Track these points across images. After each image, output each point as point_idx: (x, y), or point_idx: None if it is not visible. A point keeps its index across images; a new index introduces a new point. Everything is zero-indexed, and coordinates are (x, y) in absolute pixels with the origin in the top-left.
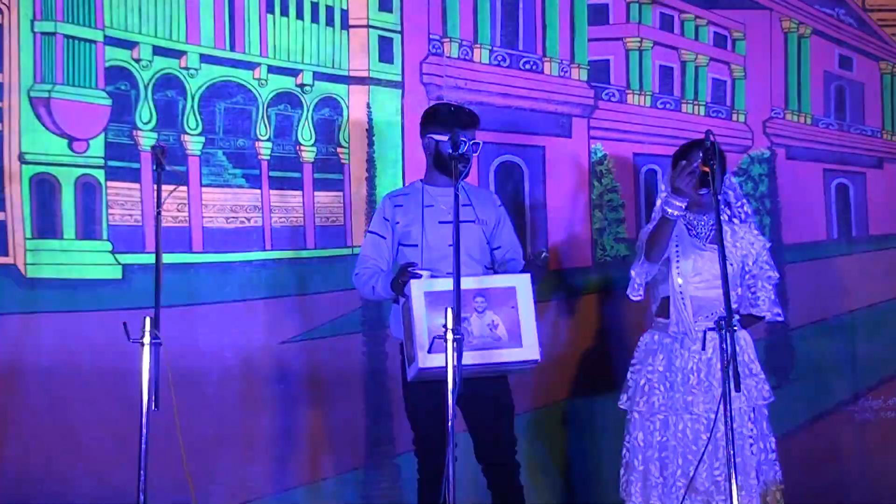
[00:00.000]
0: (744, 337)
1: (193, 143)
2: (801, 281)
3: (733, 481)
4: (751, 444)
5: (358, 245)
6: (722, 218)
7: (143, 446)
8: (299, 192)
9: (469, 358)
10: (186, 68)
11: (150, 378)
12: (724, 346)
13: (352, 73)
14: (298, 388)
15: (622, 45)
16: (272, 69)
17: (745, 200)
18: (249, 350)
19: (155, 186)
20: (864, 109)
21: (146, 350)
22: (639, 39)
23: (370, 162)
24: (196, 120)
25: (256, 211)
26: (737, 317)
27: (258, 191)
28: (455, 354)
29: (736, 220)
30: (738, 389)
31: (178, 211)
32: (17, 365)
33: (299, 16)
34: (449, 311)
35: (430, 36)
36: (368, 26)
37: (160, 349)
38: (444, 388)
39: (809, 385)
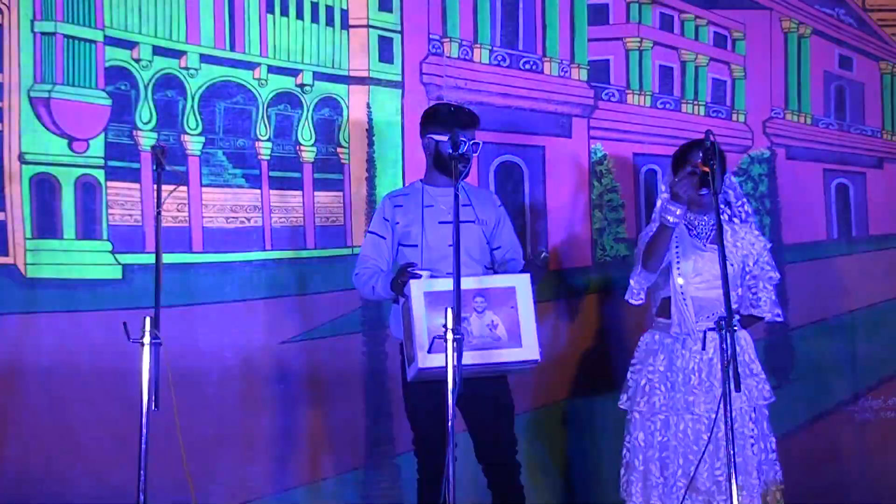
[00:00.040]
0: (744, 337)
1: (193, 143)
2: (801, 281)
3: (733, 481)
4: (752, 444)
5: (358, 245)
6: (722, 218)
7: (143, 446)
8: (299, 192)
9: (469, 358)
10: (186, 68)
11: (150, 378)
12: (724, 347)
13: (352, 73)
14: (298, 388)
15: (622, 45)
16: (272, 69)
17: (745, 200)
18: (249, 350)
19: (155, 186)
20: (864, 109)
21: (146, 350)
22: (639, 39)
23: (370, 162)
24: (196, 120)
25: (256, 211)
26: (737, 317)
27: (258, 191)
28: (455, 354)
29: (736, 220)
30: (738, 389)
31: (178, 211)
32: (17, 365)
33: (299, 16)
34: (449, 311)
35: (430, 36)
36: (368, 26)
37: (160, 349)
38: (443, 388)
39: (809, 385)
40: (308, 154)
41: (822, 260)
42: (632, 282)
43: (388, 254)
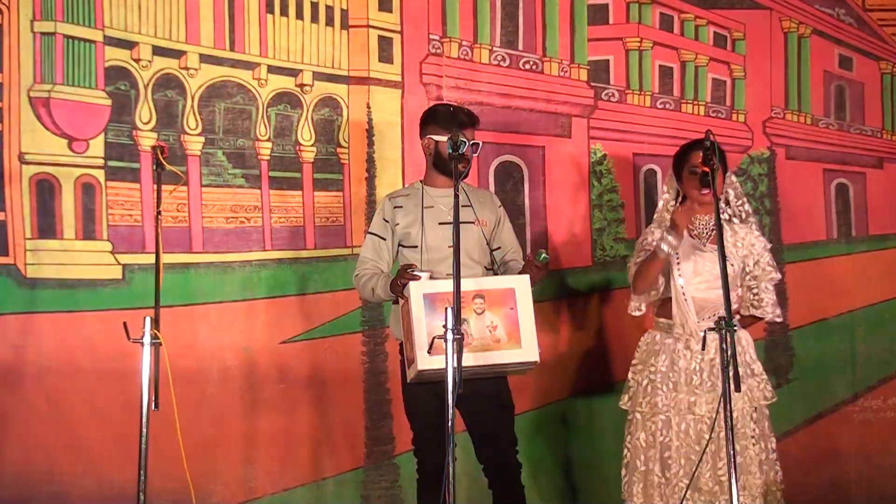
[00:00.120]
0: (744, 337)
1: (193, 143)
2: (801, 281)
3: (734, 481)
4: (753, 444)
5: (358, 245)
6: (722, 217)
7: (143, 446)
8: (299, 192)
9: (468, 359)
10: (186, 68)
11: (150, 378)
12: (724, 346)
13: (352, 73)
14: (298, 388)
15: (622, 45)
16: (272, 69)
17: (745, 199)
18: (249, 350)
19: (155, 186)
20: (864, 109)
21: (146, 350)
22: (639, 39)
23: (370, 162)
24: (196, 120)
25: (256, 211)
26: (737, 317)
27: (258, 191)
28: (455, 355)
29: (736, 220)
30: (738, 389)
31: (178, 211)
32: (17, 365)
33: (299, 16)
34: (449, 311)
35: (430, 36)
36: (368, 26)
37: (160, 349)
38: (443, 388)
39: (809, 385)
40: (308, 154)
41: (822, 260)
42: (631, 304)
43: (388, 255)
